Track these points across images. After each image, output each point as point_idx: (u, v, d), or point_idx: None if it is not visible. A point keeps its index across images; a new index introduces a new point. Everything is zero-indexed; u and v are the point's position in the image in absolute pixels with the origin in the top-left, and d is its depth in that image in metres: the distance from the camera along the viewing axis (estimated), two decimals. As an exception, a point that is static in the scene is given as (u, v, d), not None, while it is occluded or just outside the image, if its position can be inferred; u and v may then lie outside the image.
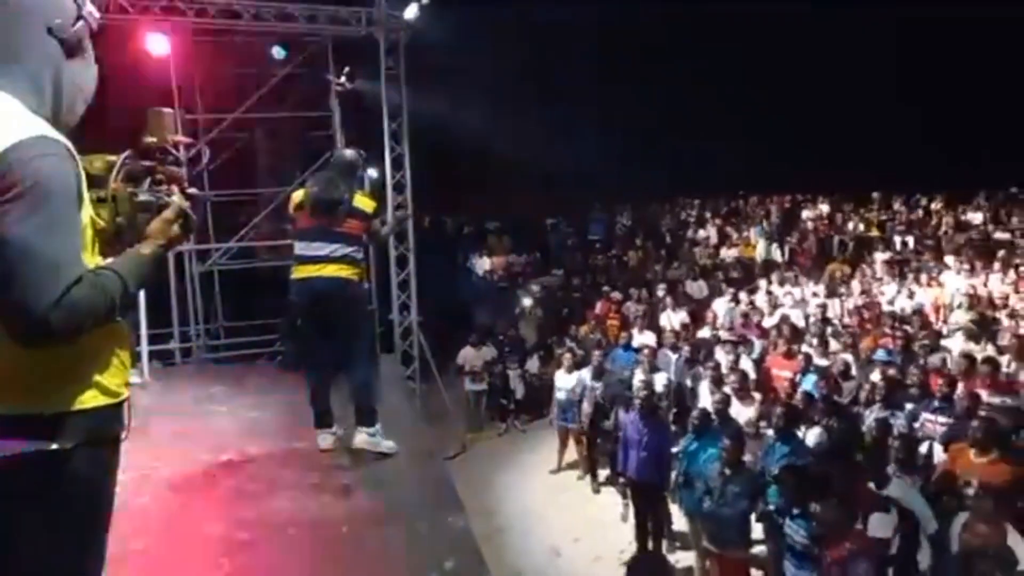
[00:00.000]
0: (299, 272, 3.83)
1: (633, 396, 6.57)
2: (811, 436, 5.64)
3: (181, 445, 4.18)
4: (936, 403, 5.69)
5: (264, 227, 9.22)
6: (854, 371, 7.06)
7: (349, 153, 4.06)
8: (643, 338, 9.07)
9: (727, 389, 6.60)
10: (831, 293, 10.36)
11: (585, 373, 8.00)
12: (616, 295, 11.33)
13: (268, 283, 9.04)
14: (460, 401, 10.05)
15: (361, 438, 3.94)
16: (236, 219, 9.31)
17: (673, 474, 6.06)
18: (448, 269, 13.87)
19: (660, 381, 7.35)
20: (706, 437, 5.66)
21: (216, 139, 8.76)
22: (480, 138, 13.71)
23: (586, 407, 7.89)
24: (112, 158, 1.75)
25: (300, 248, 3.84)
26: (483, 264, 14.25)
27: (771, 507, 4.84)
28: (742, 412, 6.26)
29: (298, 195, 3.96)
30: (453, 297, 12.30)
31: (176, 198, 1.76)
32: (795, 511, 4.52)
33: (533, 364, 10.43)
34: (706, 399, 6.74)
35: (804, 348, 7.65)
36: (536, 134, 14.99)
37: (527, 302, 12.09)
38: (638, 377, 7.60)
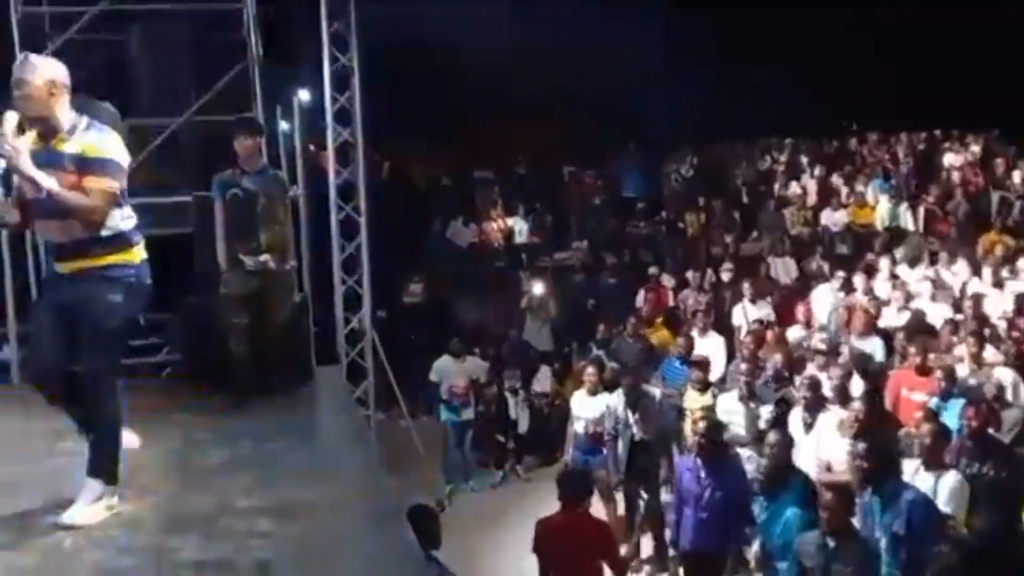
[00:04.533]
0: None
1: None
2: (945, 487, 5.67)
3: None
4: None
5: (145, 174, 9.17)
6: (1021, 395, 7.09)
7: None
8: (706, 343, 9.05)
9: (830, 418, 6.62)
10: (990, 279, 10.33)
11: (619, 397, 8.01)
12: (666, 279, 11.37)
13: (151, 259, 9.02)
14: (435, 436, 10.06)
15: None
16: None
17: (753, 547, 6.09)
18: (416, 241, 13.85)
19: (731, 408, 7.35)
20: (787, 491, 5.71)
21: (70, 44, 8.68)
22: (463, 46, 13.62)
23: (620, 448, 7.89)
24: None
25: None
26: (468, 233, 14.24)
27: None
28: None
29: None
30: (424, 283, 12.27)
31: None
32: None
33: (543, 382, 10.45)
34: (800, 433, 6.77)
35: (946, 359, 7.66)
36: (545, 40, 14.89)
37: (535, 290, 12.05)
38: (695, 401, 7.63)
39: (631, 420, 7.88)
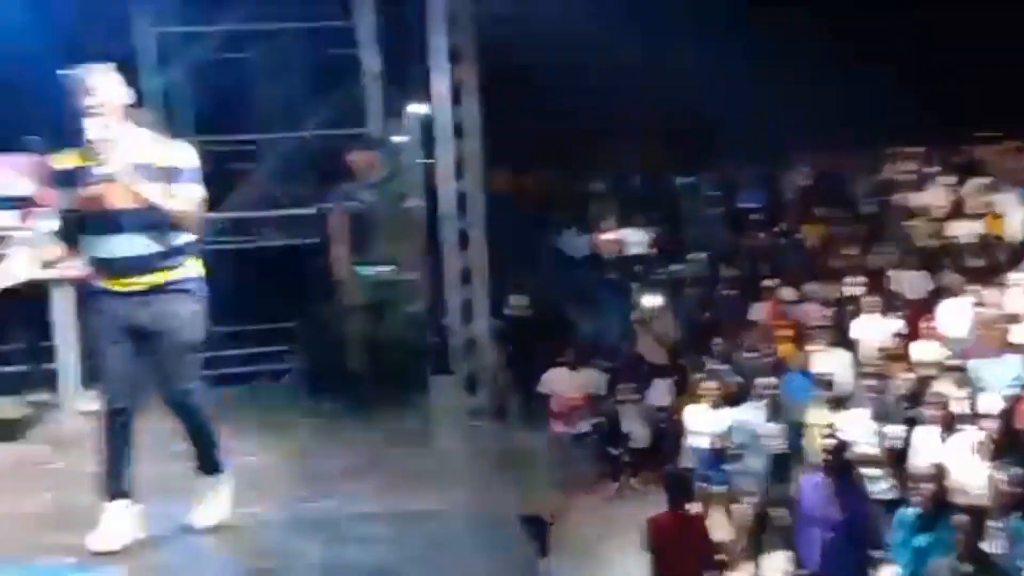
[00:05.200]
0: None
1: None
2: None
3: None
4: None
5: (269, 188, 9.48)
6: None
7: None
8: (829, 358, 8.92)
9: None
10: None
11: (746, 411, 7.89)
12: (787, 291, 11.19)
13: (273, 271, 9.30)
14: (549, 447, 10.08)
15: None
16: (231, 178, 9.61)
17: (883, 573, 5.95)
18: (530, 252, 13.92)
19: (859, 426, 7.19)
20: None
21: (196, 62, 9.08)
22: (579, 57, 13.65)
23: (753, 463, 7.74)
24: None
25: None
26: (582, 243, 14.27)
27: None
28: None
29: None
30: (529, 295, 12.32)
31: None
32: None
33: (659, 395, 10.40)
34: (929, 454, 6.58)
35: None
36: (662, 51, 14.81)
37: (650, 302, 12.00)
38: (820, 418, 7.46)
39: (773, 432, 7.75)
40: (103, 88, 3.76)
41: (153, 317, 3.86)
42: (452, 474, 5.05)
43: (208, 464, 4.08)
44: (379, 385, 6.22)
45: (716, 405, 8.15)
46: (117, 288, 3.86)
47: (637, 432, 10.18)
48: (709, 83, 15.20)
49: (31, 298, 5.59)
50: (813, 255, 13.33)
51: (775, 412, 7.80)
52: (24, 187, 5.38)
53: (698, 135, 16.46)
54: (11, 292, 5.79)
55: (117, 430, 3.86)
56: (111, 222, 3.78)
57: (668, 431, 10.02)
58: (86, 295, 4.02)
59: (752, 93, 15.30)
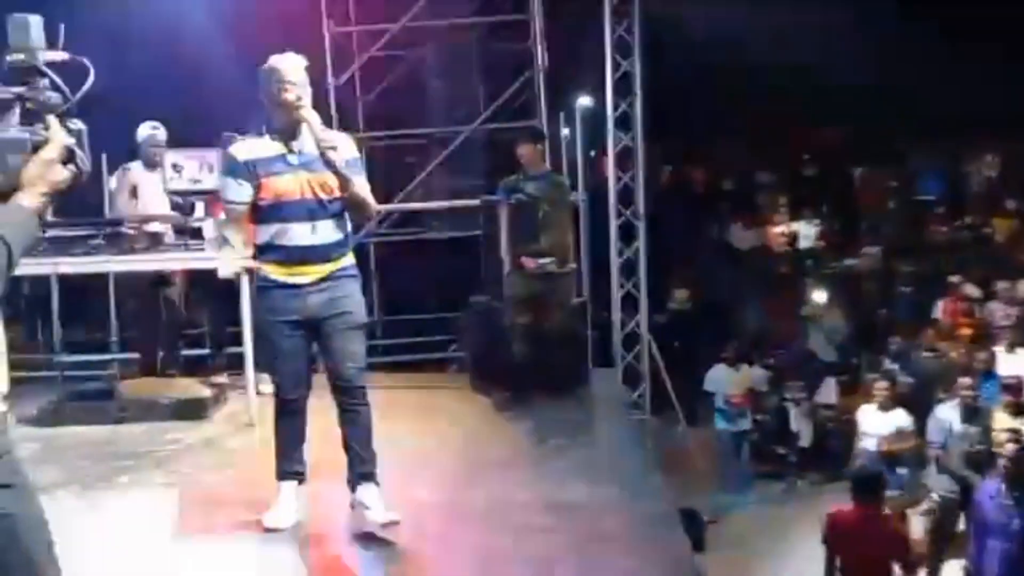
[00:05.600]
0: None
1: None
2: None
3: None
4: None
5: (439, 180, 9.76)
6: None
7: None
8: (1016, 360, 8.58)
9: None
10: None
11: (943, 411, 7.56)
12: (970, 289, 10.77)
13: (442, 261, 9.57)
14: (711, 443, 9.97)
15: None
16: (400, 172, 9.94)
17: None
18: (695, 245, 13.76)
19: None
20: None
21: (374, 60, 9.42)
22: (746, 47, 13.36)
23: (954, 460, 7.37)
24: None
25: None
26: (749, 237, 14.01)
27: None
28: None
29: None
30: (690, 290, 12.18)
31: (56, 132, 1.96)
32: None
33: (828, 394, 10.18)
34: None
35: None
36: (834, 37, 14.29)
37: (820, 297, 11.69)
38: (1004, 423, 7.11)
39: (969, 432, 7.43)
40: (301, 80, 3.81)
41: (328, 302, 3.89)
42: (610, 467, 5.07)
43: (362, 473, 3.97)
44: (540, 376, 6.30)
45: (886, 405, 7.90)
46: (294, 279, 3.88)
47: (805, 431, 10.00)
48: (886, 67, 14.58)
49: (220, 284, 5.89)
50: (1002, 250, 12.67)
51: (970, 414, 7.46)
52: (211, 181, 5.71)
53: (876, 122, 15.80)
54: (202, 278, 6.19)
55: (289, 416, 4.02)
56: (299, 211, 3.82)
57: (835, 430, 9.79)
58: (259, 289, 4.04)
59: (933, 75, 14.54)
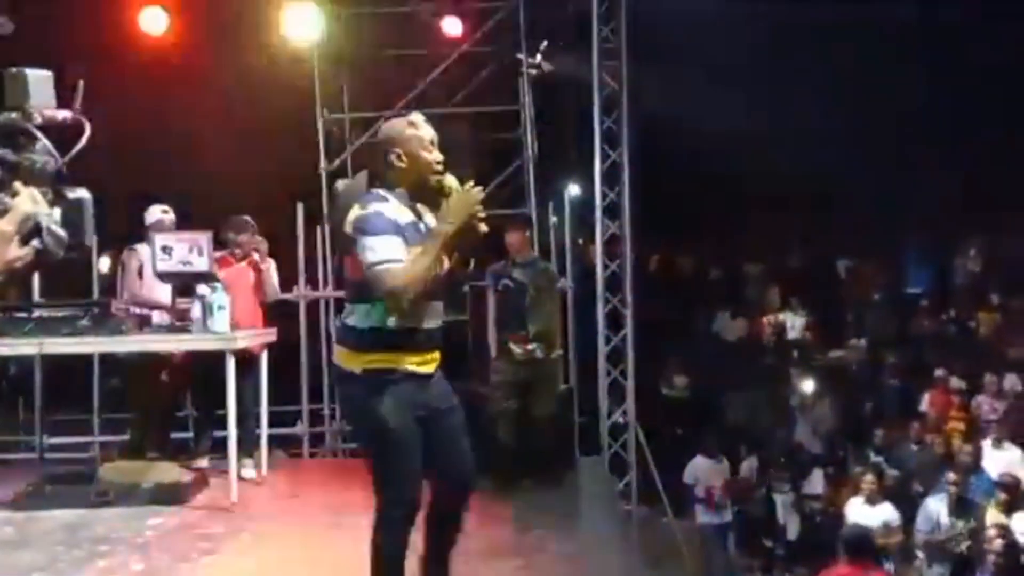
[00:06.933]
0: None
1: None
2: None
3: None
4: None
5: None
6: None
7: None
8: (1002, 456, 8.54)
9: None
10: None
11: (932, 503, 7.55)
12: (957, 382, 10.76)
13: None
14: (697, 535, 9.82)
15: None
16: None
17: None
18: (682, 334, 13.78)
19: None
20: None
21: (365, 146, 9.55)
22: (731, 137, 13.61)
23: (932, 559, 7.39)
24: None
25: None
26: (736, 327, 14.05)
27: None
28: None
29: None
30: (688, 377, 12.18)
31: (21, 203, 1.70)
32: None
33: (815, 485, 10.05)
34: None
35: None
36: (816, 125, 14.55)
37: (807, 388, 11.71)
38: (994, 519, 7.06)
39: (959, 528, 7.43)
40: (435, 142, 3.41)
41: (444, 395, 3.42)
42: (596, 560, 4.98)
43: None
44: (526, 463, 6.23)
45: (873, 499, 7.85)
46: (424, 368, 3.32)
47: (792, 524, 9.85)
48: (872, 157, 14.84)
49: (206, 364, 5.84)
50: (988, 343, 12.69)
51: (959, 509, 7.41)
52: (201, 264, 5.71)
53: (861, 214, 16.00)
54: (190, 359, 6.14)
55: (406, 534, 3.42)
56: (433, 287, 3.21)
57: (823, 523, 9.66)
58: (379, 383, 3.25)
59: (920, 166, 14.81)
